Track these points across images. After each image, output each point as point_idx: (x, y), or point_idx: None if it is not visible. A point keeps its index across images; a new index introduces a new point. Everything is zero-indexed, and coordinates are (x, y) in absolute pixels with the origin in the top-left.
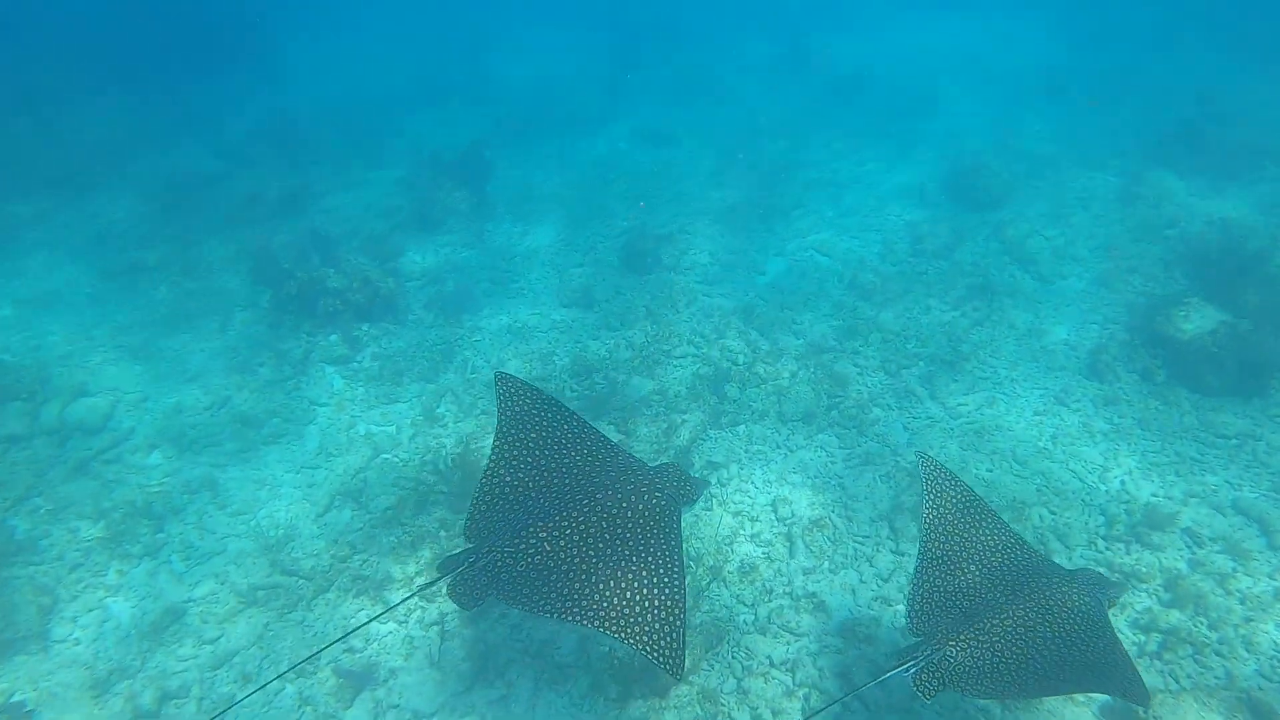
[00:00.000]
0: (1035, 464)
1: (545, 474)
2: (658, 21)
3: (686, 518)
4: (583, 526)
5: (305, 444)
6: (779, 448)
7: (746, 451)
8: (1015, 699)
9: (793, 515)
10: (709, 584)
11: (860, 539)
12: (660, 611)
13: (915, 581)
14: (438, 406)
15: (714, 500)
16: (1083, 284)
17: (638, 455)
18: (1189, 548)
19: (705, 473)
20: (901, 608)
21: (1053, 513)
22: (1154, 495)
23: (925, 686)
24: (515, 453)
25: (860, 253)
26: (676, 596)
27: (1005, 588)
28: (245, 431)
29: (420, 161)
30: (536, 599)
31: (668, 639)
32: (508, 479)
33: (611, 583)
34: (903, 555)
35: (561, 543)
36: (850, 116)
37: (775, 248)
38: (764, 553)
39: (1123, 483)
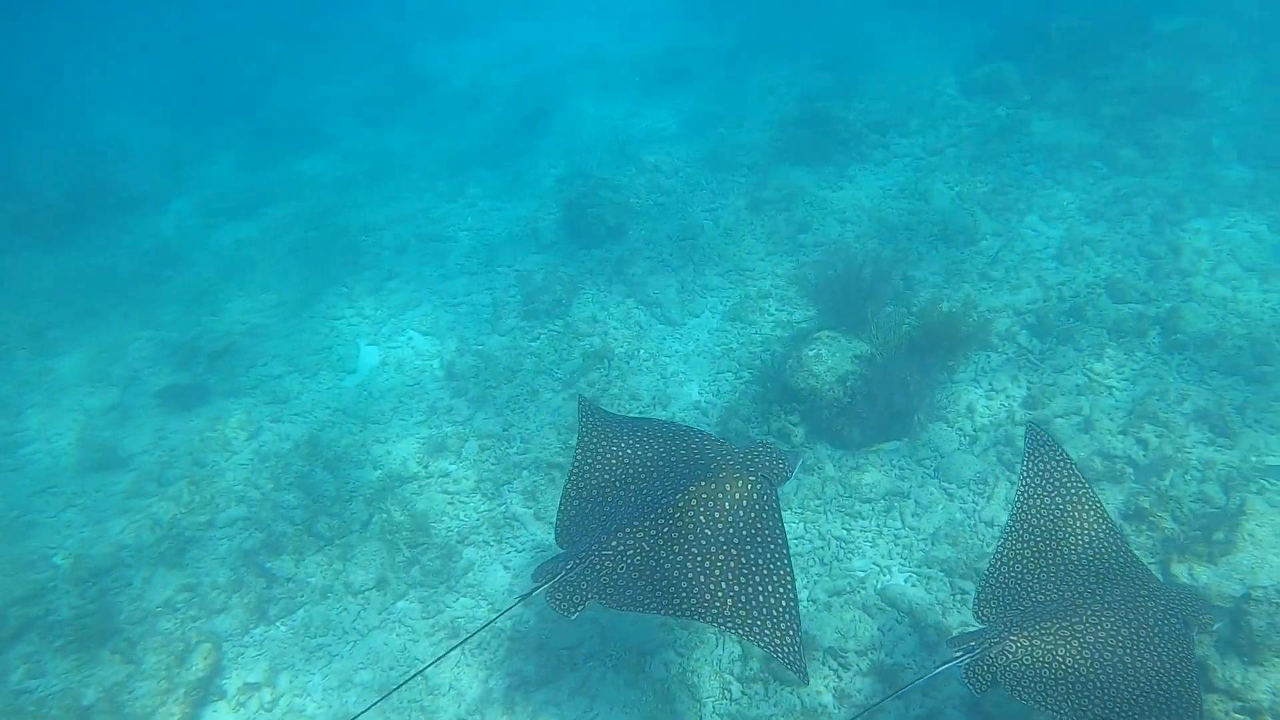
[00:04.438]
0: None
1: (633, 472)
2: (240, 60)
3: None
4: (680, 520)
5: None
6: (345, 634)
7: (304, 650)
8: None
9: None
10: None
11: None
12: (772, 603)
13: (992, 564)
14: None
15: None
16: (716, 320)
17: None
18: (834, 672)
19: (243, 698)
20: None
21: (680, 655)
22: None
23: (976, 681)
24: (599, 454)
25: (464, 326)
26: (787, 587)
27: (1090, 589)
28: None
29: None
30: (641, 599)
31: (785, 634)
32: (594, 480)
33: (716, 574)
34: None
35: (660, 540)
36: (459, 144)
37: (368, 334)
38: None
39: None
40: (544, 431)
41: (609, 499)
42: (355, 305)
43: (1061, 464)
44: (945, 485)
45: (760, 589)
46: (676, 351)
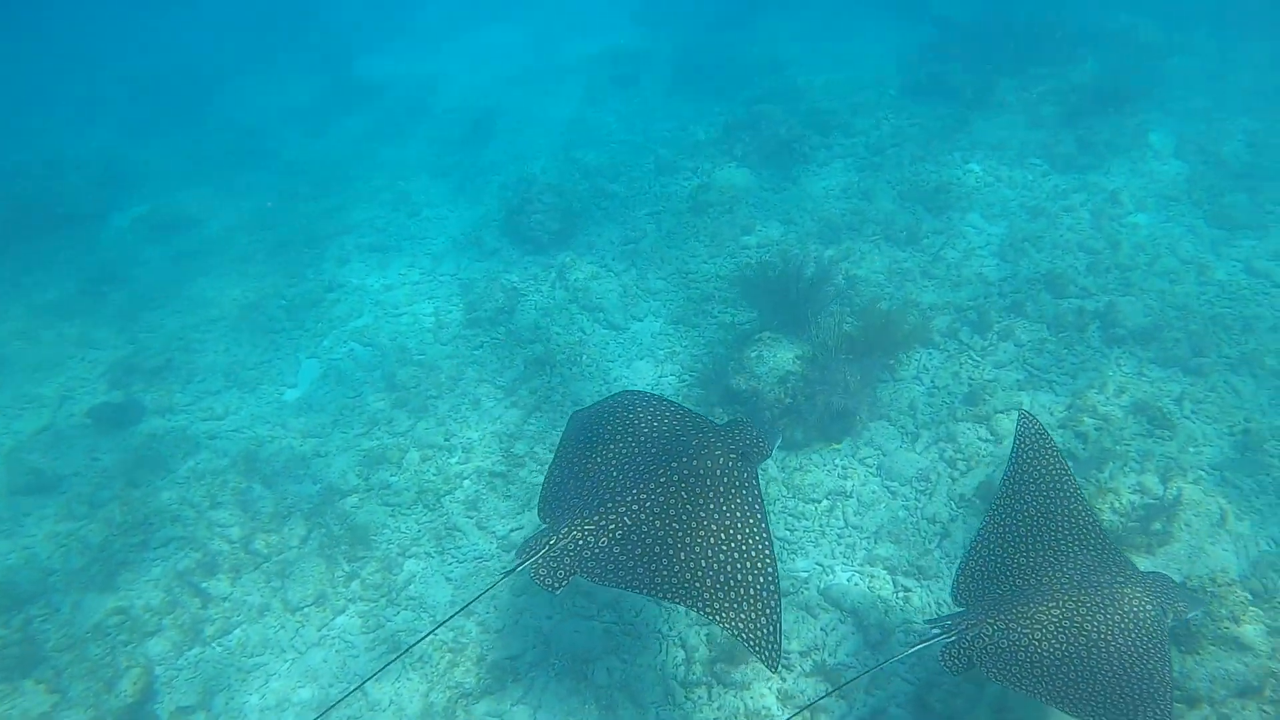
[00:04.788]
0: (607, 595)
1: (616, 447)
2: (184, 71)
3: None
4: (661, 497)
5: None
6: (284, 652)
7: (240, 670)
8: (1042, 700)
9: None
10: None
11: None
12: (751, 589)
13: (973, 547)
14: None
15: None
16: (659, 324)
17: None
18: (778, 674)
19: None
20: None
21: (623, 661)
22: None
23: (953, 662)
24: (583, 430)
25: (405, 336)
26: (766, 563)
27: (1068, 575)
28: None
29: None
30: (623, 575)
31: (762, 623)
32: (579, 455)
33: (696, 551)
34: None
35: (642, 515)
36: (404, 153)
37: (309, 347)
38: None
39: None
40: (486, 440)
41: (592, 473)
42: (295, 318)
43: (1049, 452)
44: (888, 483)
45: (739, 569)
46: (619, 356)
